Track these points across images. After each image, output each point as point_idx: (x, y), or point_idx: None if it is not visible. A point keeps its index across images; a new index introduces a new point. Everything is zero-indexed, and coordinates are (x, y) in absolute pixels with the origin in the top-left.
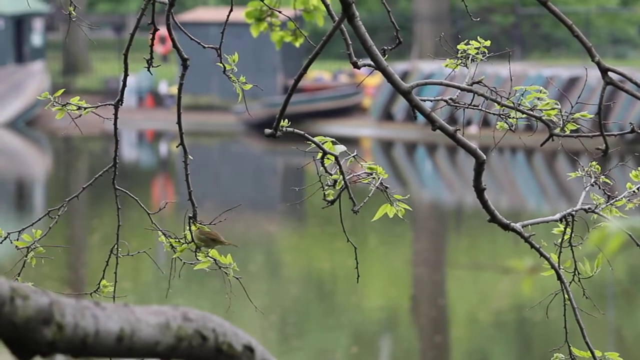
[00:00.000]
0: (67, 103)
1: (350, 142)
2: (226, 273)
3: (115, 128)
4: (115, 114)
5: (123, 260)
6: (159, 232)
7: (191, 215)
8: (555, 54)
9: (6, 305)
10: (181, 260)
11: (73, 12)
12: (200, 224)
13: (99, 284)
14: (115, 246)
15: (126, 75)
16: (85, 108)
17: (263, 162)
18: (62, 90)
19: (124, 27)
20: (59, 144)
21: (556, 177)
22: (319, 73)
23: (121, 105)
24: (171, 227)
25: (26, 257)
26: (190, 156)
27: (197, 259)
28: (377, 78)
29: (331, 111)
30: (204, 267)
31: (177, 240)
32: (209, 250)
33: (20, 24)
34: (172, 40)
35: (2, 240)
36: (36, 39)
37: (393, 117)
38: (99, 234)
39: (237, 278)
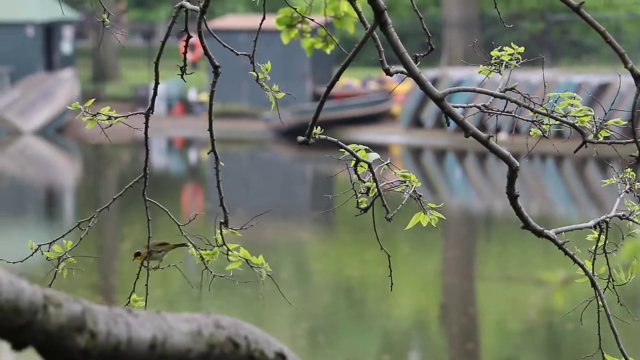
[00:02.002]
0: (98, 113)
1: (379, 149)
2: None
3: (146, 137)
4: (146, 123)
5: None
6: (190, 244)
7: (223, 221)
8: (585, 60)
9: (39, 313)
10: (211, 272)
11: (107, 19)
12: (231, 229)
13: (129, 298)
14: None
15: (157, 84)
16: (115, 117)
17: (292, 169)
18: (93, 100)
19: (153, 35)
20: (89, 151)
21: (586, 183)
22: (348, 80)
23: (152, 114)
24: (201, 233)
25: (57, 267)
26: (221, 163)
27: (229, 260)
28: (407, 85)
29: (360, 118)
30: (236, 267)
31: (207, 244)
32: (160, 258)
33: (50, 31)
34: (204, 47)
35: (34, 252)
36: (66, 46)
37: (422, 124)
38: (129, 241)
39: (269, 275)
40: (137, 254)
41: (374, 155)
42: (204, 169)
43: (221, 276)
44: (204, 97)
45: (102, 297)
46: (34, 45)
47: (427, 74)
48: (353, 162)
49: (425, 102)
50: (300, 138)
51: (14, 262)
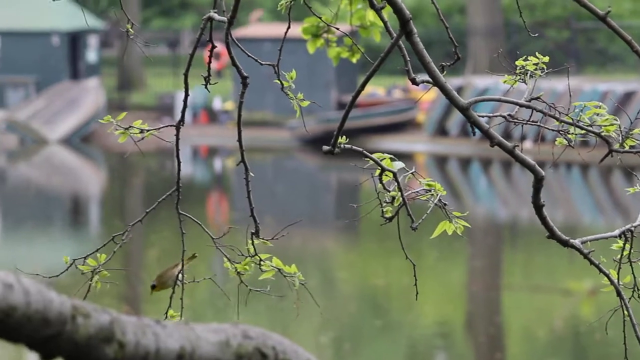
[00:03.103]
0: (130, 126)
1: (404, 157)
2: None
3: (177, 150)
4: (177, 135)
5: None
6: (225, 257)
7: (253, 231)
8: (611, 68)
9: (68, 324)
10: (246, 285)
11: (130, 29)
12: (263, 239)
13: (166, 314)
14: (181, 273)
15: (187, 96)
16: (147, 131)
17: (317, 178)
18: (125, 113)
19: (178, 43)
20: (114, 160)
21: (612, 192)
22: (373, 88)
23: (182, 125)
24: (228, 243)
25: (90, 280)
26: (251, 173)
27: (261, 270)
28: (432, 93)
29: (385, 126)
30: (269, 276)
31: (240, 254)
32: (175, 280)
33: (75, 40)
34: (232, 58)
35: (68, 267)
36: (91, 55)
37: (447, 133)
38: (156, 249)
39: (302, 284)
40: (153, 287)
41: (398, 164)
42: (230, 178)
43: (258, 290)
44: (229, 105)
45: (129, 307)
46: (60, 54)
47: (451, 83)
48: (378, 171)
49: (450, 111)
50: (326, 148)
51: (49, 277)
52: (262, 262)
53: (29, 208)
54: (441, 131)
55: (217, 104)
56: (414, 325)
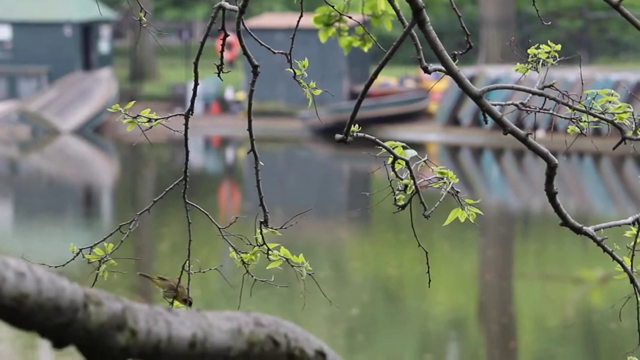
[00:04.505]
0: (138, 115)
1: (416, 147)
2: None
3: (186, 139)
4: (186, 125)
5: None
6: (230, 247)
7: (262, 220)
8: (623, 58)
9: (80, 312)
10: (252, 276)
11: (144, 17)
12: (271, 228)
13: (172, 303)
14: (187, 262)
15: (196, 85)
16: (156, 120)
17: (329, 167)
18: (133, 102)
19: (190, 34)
20: (126, 151)
21: (624, 181)
22: (385, 78)
23: (191, 115)
24: (238, 233)
25: (98, 269)
26: (261, 162)
27: (269, 259)
28: (444, 83)
29: (397, 116)
30: (276, 266)
31: (248, 244)
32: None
33: (87, 31)
34: (243, 47)
35: (75, 256)
36: (103, 46)
37: (459, 122)
38: (167, 242)
39: (310, 274)
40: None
41: (411, 152)
42: (242, 168)
43: (262, 280)
44: (241, 96)
45: (140, 298)
46: (72, 44)
47: (464, 72)
48: (390, 160)
49: (462, 100)
50: (338, 136)
51: (55, 267)
52: (270, 252)
53: (41, 199)
54: (453, 121)
55: (229, 94)
56: (427, 315)
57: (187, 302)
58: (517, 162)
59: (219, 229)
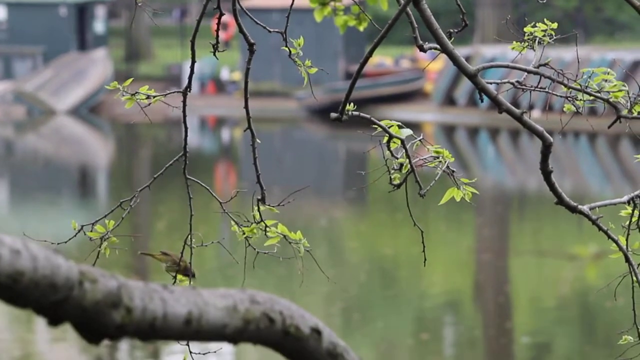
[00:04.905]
0: (137, 92)
1: (412, 127)
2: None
3: (184, 115)
4: (184, 102)
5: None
6: (232, 221)
7: (260, 197)
8: (619, 37)
9: (75, 289)
10: (254, 249)
11: None
12: (269, 205)
13: (175, 278)
14: (189, 237)
15: (193, 62)
16: (154, 97)
17: (325, 147)
18: (131, 79)
19: (186, 14)
20: (122, 131)
21: (620, 160)
22: (381, 58)
23: (189, 92)
24: (236, 210)
25: (100, 247)
26: (258, 140)
27: (267, 236)
28: (439, 63)
29: (393, 96)
30: (274, 243)
31: (246, 220)
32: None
33: (83, 11)
34: (239, 25)
35: (77, 233)
36: (99, 26)
37: (455, 102)
38: (165, 220)
39: (307, 251)
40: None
41: (406, 131)
42: (237, 148)
43: (265, 253)
44: (237, 76)
45: (137, 277)
46: (67, 25)
47: (459, 52)
48: (386, 138)
49: (458, 80)
50: (334, 114)
51: (57, 243)
52: (267, 229)
53: (37, 179)
54: (449, 101)
55: (224, 74)
56: (423, 295)
57: (190, 274)
58: (513, 142)
59: (220, 203)
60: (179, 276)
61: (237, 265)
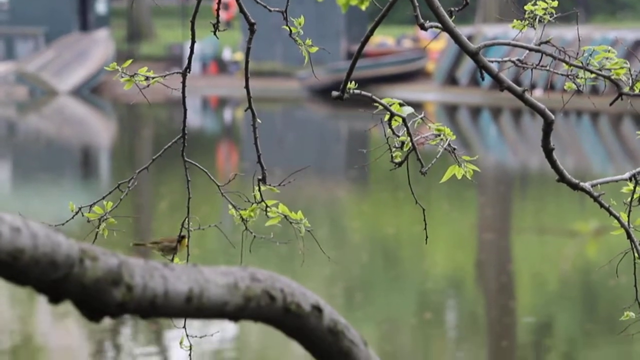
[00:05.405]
0: (135, 74)
1: (414, 106)
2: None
3: (184, 97)
4: (183, 83)
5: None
6: (230, 204)
7: (260, 177)
8: (620, 16)
9: (75, 267)
10: (251, 233)
11: None
12: (269, 185)
13: (172, 259)
14: (187, 220)
15: (193, 42)
16: (153, 78)
17: (327, 127)
18: (130, 60)
19: None
20: (124, 111)
21: (622, 139)
22: (382, 38)
23: (189, 73)
24: (237, 191)
25: (98, 228)
26: (258, 120)
27: (267, 216)
28: (441, 43)
29: (395, 76)
30: (275, 223)
31: (246, 201)
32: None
33: None
34: (239, 4)
35: (75, 215)
36: (101, 6)
37: (457, 82)
38: (166, 201)
39: (308, 231)
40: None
41: (408, 109)
42: (239, 128)
43: (262, 237)
44: (239, 56)
45: (138, 257)
46: (69, 5)
47: (461, 31)
48: (387, 117)
49: (459, 60)
50: (335, 93)
51: (55, 225)
52: (268, 209)
53: (39, 159)
54: (451, 80)
55: (226, 54)
56: (425, 274)
57: (179, 238)
58: (515, 121)
59: (218, 186)
60: (176, 259)
61: (239, 245)
